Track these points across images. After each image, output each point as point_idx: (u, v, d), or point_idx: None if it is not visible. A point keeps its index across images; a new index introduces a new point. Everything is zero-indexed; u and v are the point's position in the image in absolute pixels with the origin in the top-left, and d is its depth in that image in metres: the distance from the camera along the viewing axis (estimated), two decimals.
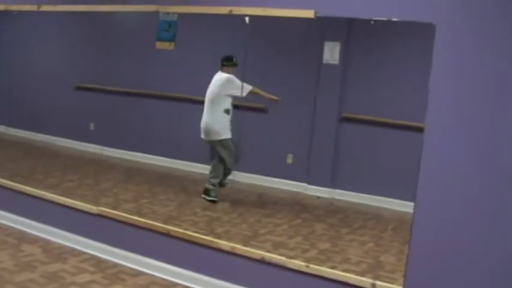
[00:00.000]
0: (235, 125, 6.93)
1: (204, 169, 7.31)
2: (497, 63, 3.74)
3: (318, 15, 4.38)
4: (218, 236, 5.30)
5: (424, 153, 4.00)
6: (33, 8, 6.05)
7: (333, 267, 4.73)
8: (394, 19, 4.13)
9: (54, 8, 5.93)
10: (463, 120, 3.87)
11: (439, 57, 3.91)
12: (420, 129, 4.01)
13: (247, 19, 5.03)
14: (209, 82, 6.93)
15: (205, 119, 6.87)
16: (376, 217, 6.34)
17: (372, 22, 4.43)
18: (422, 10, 3.99)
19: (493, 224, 3.81)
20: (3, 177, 6.30)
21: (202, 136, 6.91)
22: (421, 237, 4.03)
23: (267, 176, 7.01)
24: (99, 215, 5.52)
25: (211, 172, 6.87)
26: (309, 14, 4.41)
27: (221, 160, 6.85)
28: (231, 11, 4.83)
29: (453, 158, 3.91)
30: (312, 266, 4.43)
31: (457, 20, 3.86)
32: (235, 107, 6.90)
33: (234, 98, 6.69)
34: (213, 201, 6.69)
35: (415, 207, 4.04)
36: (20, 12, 6.46)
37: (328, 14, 4.38)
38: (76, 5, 5.79)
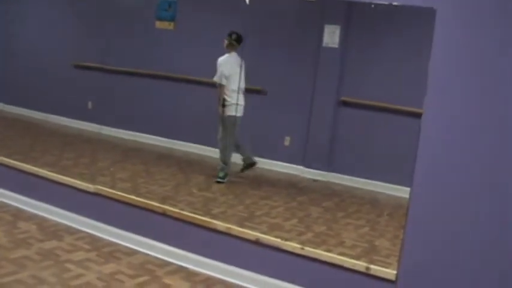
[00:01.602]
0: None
1: (202, 150, 7.33)
2: (497, 47, 3.73)
3: None
4: (214, 217, 5.30)
5: (421, 139, 3.99)
6: None
7: (328, 251, 4.74)
8: (395, 3, 4.11)
9: None
10: (462, 106, 3.86)
11: (439, 41, 3.89)
12: (418, 115, 4.01)
13: (247, 0, 5.01)
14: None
15: (241, 96, 6.77)
16: (372, 201, 6.36)
17: (373, 6, 4.41)
18: None
19: (488, 210, 3.81)
20: (1, 155, 6.29)
21: (241, 114, 6.81)
22: (416, 223, 4.03)
23: (264, 158, 7.01)
24: (95, 194, 5.52)
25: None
26: None
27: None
28: None
29: (450, 144, 3.91)
30: (307, 248, 4.44)
31: (458, 5, 3.84)
32: None
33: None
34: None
35: (411, 193, 4.04)
36: None
37: None
38: None
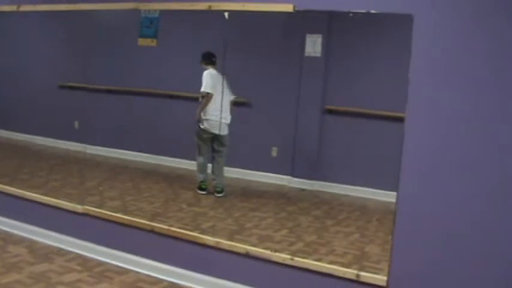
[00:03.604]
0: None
1: (189, 165, 7.31)
2: (476, 52, 3.77)
3: (296, 9, 4.40)
4: (204, 232, 5.31)
5: (405, 143, 4.03)
6: (13, 8, 6.03)
7: (319, 259, 4.75)
8: (373, 11, 4.14)
9: (34, 8, 5.92)
10: (443, 109, 3.89)
11: (417, 47, 3.94)
12: (402, 119, 4.04)
13: (226, 14, 5.03)
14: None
15: (224, 114, 6.82)
16: (361, 208, 6.37)
17: (351, 14, 4.44)
18: (400, 2, 4.02)
19: (475, 213, 3.84)
20: None
21: (215, 131, 6.88)
22: (404, 227, 4.06)
23: (252, 169, 7.01)
24: (84, 214, 5.52)
25: (221, 168, 6.96)
26: (288, 8, 4.42)
27: (220, 154, 6.94)
28: (210, 6, 4.84)
29: (433, 148, 3.94)
30: (296, 258, 4.45)
31: (434, 11, 3.88)
32: None
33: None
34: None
35: (397, 197, 4.07)
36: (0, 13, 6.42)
37: (307, 7, 4.39)
38: (56, 4, 5.77)
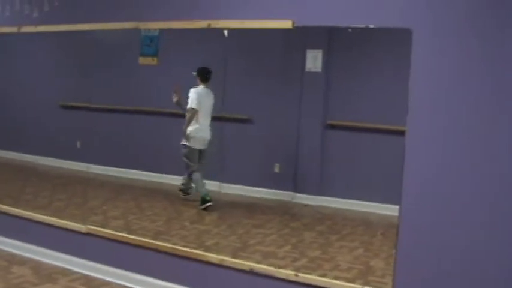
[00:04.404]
0: (222, 136, 6.97)
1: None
2: (475, 64, 3.78)
3: (295, 25, 4.42)
4: (208, 249, 5.30)
5: (406, 156, 4.03)
6: (14, 29, 6.06)
7: (323, 275, 4.75)
8: (372, 26, 4.15)
9: (35, 29, 5.95)
10: (443, 123, 3.90)
11: (416, 61, 3.95)
12: (403, 133, 4.05)
13: (225, 32, 5.05)
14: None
15: (208, 130, 7.12)
16: (364, 222, 6.36)
17: (350, 30, 4.45)
18: (399, 16, 4.03)
19: (478, 225, 3.83)
20: None
21: (202, 146, 7.13)
22: (408, 240, 4.05)
23: (255, 186, 7.01)
24: (88, 234, 5.52)
25: (201, 179, 7.05)
26: (287, 24, 4.44)
27: (203, 167, 7.13)
28: (209, 24, 4.86)
29: (435, 160, 3.95)
30: (300, 274, 4.44)
31: (433, 25, 3.90)
32: (220, 118, 6.92)
33: (218, 110, 6.77)
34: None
35: (400, 211, 4.06)
36: (0, 34, 6.45)
37: (306, 23, 4.41)
38: (56, 24, 5.80)
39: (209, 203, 6.86)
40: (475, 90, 3.79)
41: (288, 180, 6.93)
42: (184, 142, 7.11)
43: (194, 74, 7.07)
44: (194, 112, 6.98)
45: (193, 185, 7.17)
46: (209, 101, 7.08)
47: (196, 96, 7.00)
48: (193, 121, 7.03)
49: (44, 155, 8.67)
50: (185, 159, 7.17)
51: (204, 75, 7.04)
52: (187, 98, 7.05)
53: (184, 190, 7.33)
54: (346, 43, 6.29)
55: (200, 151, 7.15)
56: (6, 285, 5.04)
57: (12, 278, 5.24)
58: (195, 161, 7.15)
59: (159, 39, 7.57)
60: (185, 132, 7.05)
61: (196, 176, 7.07)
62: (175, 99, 7.12)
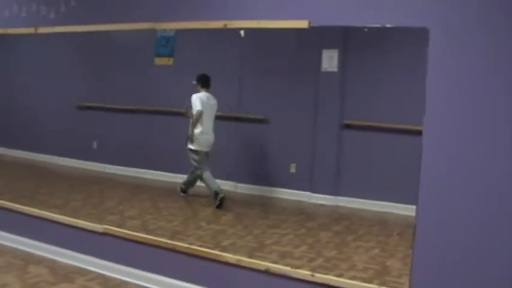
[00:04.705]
0: (238, 137, 7.00)
1: None
2: (491, 64, 3.76)
3: (311, 25, 4.40)
4: (224, 249, 5.31)
5: (423, 156, 4.01)
6: (31, 30, 6.09)
7: (340, 275, 4.74)
8: (388, 25, 4.14)
9: (52, 30, 5.97)
10: (460, 122, 3.88)
11: (433, 60, 3.93)
12: (420, 133, 4.03)
13: (242, 32, 5.06)
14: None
15: (211, 133, 7.23)
16: (380, 222, 6.34)
17: (366, 29, 4.44)
18: (415, 15, 4.01)
19: (495, 225, 3.81)
20: (7, 199, 6.32)
21: (206, 148, 7.23)
22: (424, 240, 4.03)
23: (271, 186, 7.02)
24: (104, 234, 5.53)
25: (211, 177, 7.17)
26: (303, 24, 4.43)
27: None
28: (225, 25, 4.84)
29: (452, 160, 3.92)
30: (317, 275, 4.43)
31: (450, 24, 3.88)
32: (236, 119, 6.94)
33: (235, 110, 6.81)
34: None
35: (417, 211, 4.05)
36: (17, 35, 6.48)
37: (322, 23, 4.39)
38: (73, 25, 5.82)
39: (222, 195, 6.93)
40: (492, 89, 3.77)
41: (304, 180, 6.93)
42: (190, 146, 7.21)
43: (194, 82, 7.19)
44: (200, 114, 7.08)
45: (204, 184, 7.23)
46: (211, 105, 7.20)
47: (200, 100, 7.12)
48: (198, 124, 7.10)
49: (61, 155, 8.72)
50: (194, 163, 7.26)
51: (204, 82, 7.19)
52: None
53: (184, 190, 7.45)
54: (362, 43, 6.28)
55: (206, 153, 7.26)
56: (23, 284, 5.06)
57: (29, 277, 5.26)
58: (203, 163, 7.22)
59: (175, 40, 7.60)
60: (191, 135, 7.15)
61: (207, 175, 7.14)
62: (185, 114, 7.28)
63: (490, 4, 3.76)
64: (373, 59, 6.44)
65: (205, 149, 7.22)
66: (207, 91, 7.18)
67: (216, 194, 6.97)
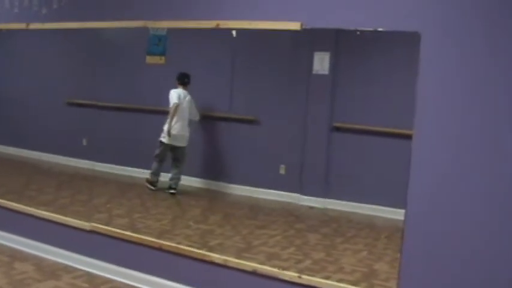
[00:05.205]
0: (228, 137, 6.98)
1: (195, 182, 7.34)
2: (483, 68, 3.76)
3: (304, 27, 4.40)
4: (212, 249, 5.30)
5: (413, 160, 4.01)
6: (22, 26, 6.06)
7: (327, 277, 4.74)
8: (380, 29, 4.14)
9: (43, 26, 5.94)
10: (451, 126, 3.88)
11: (425, 64, 3.93)
12: (410, 136, 4.03)
13: (234, 32, 5.05)
14: (200, 96, 7.19)
15: (182, 127, 7.48)
16: (369, 226, 6.35)
17: (358, 32, 4.44)
18: (407, 19, 4.01)
19: (484, 229, 3.82)
20: None
21: (171, 142, 7.45)
22: (413, 245, 4.03)
23: (260, 187, 7.01)
24: (92, 231, 5.51)
25: (179, 173, 7.47)
26: (295, 26, 4.42)
27: (180, 164, 7.54)
28: (218, 24, 4.84)
29: (441, 164, 3.93)
30: (304, 276, 4.43)
31: (441, 28, 3.88)
32: (227, 119, 6.94)
33: (225, 111, 6.82)
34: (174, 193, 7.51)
35: (405, 215, 4.05)
36: (8, 31, 6.45)
37: (314, 25, 4.39)
38: (64, 22, 5.80)
39: (152, 187, 7.49)
40: (483, 93, 3.77)
41: (294, 182, 6.92)
42: (161, 139, 7.48)
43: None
44: (176, 107, 7.36)
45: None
46: (186, 102, 7.44)
47: (176, 95, 7.39)
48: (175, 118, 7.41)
49: (50, 152, 8.68)
50: (157, 151, 7.55)
51: (182, 79, 7.47)
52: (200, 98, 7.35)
53: (174, 187, 7.57)
54: (354, 45, 6.28)
55: (173, 148, 7.49)
56: (9, 281, 5.03)
57: (15, 274, 5.24)
58: (162, 154, 7.55)
59: (167, 39, 7.58)
60: (168, 127, 7.42)
61: (155, 165, 7.54)
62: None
63: (483, 8, 3.77)
64: (365, 62, 6.44)
65: (172, 143, 7.46)
66: (184, 88, 7.44)
67: (150, 183, 7.55)
